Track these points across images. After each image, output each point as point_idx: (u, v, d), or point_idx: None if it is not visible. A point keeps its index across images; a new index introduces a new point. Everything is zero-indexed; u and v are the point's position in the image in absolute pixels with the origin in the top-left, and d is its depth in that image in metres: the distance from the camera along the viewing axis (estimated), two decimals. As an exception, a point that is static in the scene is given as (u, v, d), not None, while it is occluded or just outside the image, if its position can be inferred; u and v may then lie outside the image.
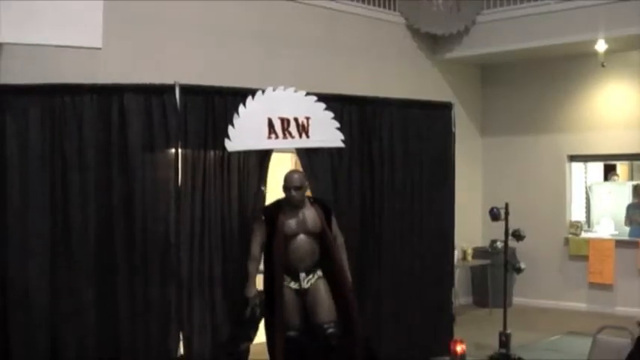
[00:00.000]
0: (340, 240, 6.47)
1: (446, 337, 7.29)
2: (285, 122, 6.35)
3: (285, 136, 6.33)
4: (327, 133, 6.56)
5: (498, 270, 8.54)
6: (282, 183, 6.21)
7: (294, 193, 6.20)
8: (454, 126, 7.57)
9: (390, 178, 7.15)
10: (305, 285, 6.27)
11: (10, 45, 5.98)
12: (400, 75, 9.85)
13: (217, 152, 6.23)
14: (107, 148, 5.87)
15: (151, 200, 5.96)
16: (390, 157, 7.15)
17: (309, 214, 6.30)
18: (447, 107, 7.61)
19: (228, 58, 8.10)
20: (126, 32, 7.12)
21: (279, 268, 6.26)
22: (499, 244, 7.82)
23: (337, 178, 6.87)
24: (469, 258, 10.30)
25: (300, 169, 6.66)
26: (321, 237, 6.33)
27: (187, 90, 6.13)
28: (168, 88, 6.07)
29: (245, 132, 6.14)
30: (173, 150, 6.08)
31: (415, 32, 10.25)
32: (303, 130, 6.42)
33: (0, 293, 5.68)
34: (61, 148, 5.81)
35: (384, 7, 10.01)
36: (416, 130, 7.34)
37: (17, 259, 5.69)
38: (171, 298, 5.93)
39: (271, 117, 6.29)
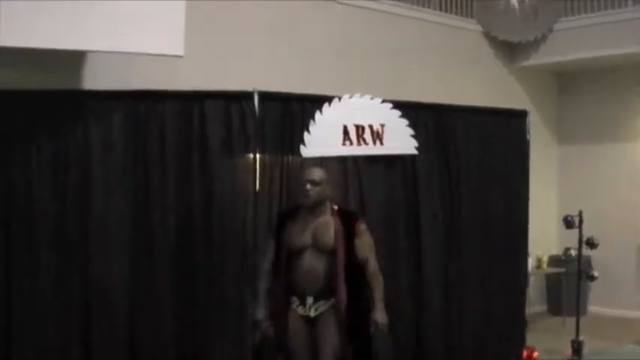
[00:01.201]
0: (372, 266, 5.33)
1: (518, 345, 7.28)
2: (360, 129, 6.44)
3: (359, 143, 6.41)
4: (401, 140, 6.63)
5: (573, 278, 8.44)
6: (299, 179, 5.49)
7: (309, 187, 5.23)
8: (529, 134, 7.53)
9: (465, 185, 7.14)
10: (311, 313, 5.24)
11: (95, 53, 6.20)
12: (476, 83, 9.85)
13: (294, 157, 6.34)
14: (188, 153, 6.03)
15: (230, 203, 6.09)
16: (466, 164, 7.14)
17: (324, 225, 5.29)
18: (521, 115, 7.57)
19: (307, 66, 8.22)
20: (207, 40, 7.28)
21: (283, 286, 5.36)
22: (573, 252, 7.80)
23: (413, 187, 6.88)
24: (544, 266, 10.27)
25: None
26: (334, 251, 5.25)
27: (266, 97, 6.26)
28: (247, 95, 6.22)
29: (320, 138, 6.25)
30: (251, 154, 6.20)
31: (492, 40, 10.26)
32: (377, 137, 6.49)
33: (83, 294, 5.89)
34: (143, 152, 6.00)
35: (461, 14, 10.04)
36: (491, 138, 7.32)
37: (99, 261, 5.89)
38: (247, 298, 6.03)
39: (346, 124, 6.39)
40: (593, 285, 9.08)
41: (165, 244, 6.03)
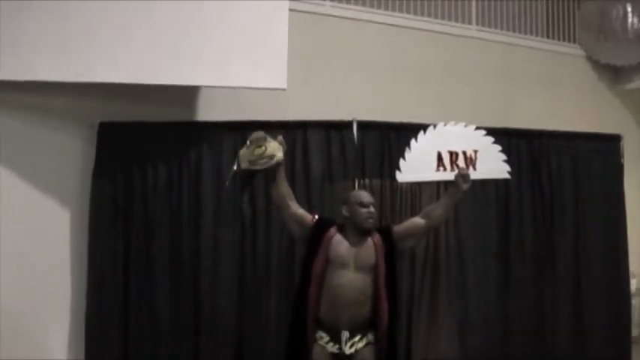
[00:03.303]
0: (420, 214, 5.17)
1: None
2: (453, 155, 6.68)
3: (452, 169, 6.62)
4: (494, 165, 6.84)
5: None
6: (352, 201, 5.09)
7: (372, 209, 4.95)
8: (623, 157, 7.61)
9: (559, 210, 7.29)
10: (347, 349, 4.68)
11: (207, 87, 6.70)
12: (580, 107, 9.82)
13: (392, 183, 6.67)
14: (292, 178, 6.32)
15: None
16: (559, 189, 7.30)
17: (369, 246, 4.92)
18: (615, 139, 7.66)
19: (405, 94, 8.36)
20: (308, 72, 7.54)
21: (311, 313, 4.74)
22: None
23: (505, 210, 7.12)
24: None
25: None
26: (375, 276, 4.83)
27: (364, 125, 6.65)
28: (347, 124, 6.62)
29: (415, 164, 6.52)
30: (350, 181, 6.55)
31: (595, 64, 10.28)
32: (470, 162, 6.73)
33: (192, 307, 6.34)
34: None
35: (563, 39, 10.13)
36: (584, 163, 7.45)
37: (208, 275, 6.35)
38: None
39: (441, 150, 6.65)
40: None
41: (268, 268, 6.44)
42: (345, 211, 5.03)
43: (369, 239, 4.95)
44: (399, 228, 5.13)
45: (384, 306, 4.81)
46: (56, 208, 6.44)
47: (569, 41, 10.18)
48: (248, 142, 5.04)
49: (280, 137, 5.05)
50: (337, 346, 4.71)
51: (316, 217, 5.03)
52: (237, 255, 6.43)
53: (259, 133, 5.04)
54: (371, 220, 4.96)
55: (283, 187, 4.96)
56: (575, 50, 10.19)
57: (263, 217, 6.44)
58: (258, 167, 4.99)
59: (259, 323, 6.41)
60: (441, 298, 6.85)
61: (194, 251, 6.36)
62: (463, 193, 5.28)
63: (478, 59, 9.12)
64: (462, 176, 5.26)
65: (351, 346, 4.71)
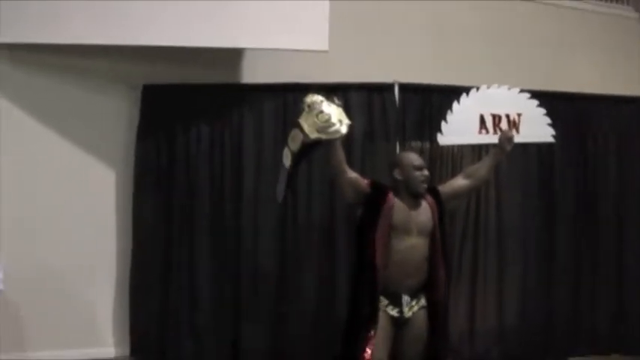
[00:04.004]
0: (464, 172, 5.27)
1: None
2: (496, 118, 6.61)
3: (495, 132, 6.55)
4: (537, 129, 6.75)
5: None
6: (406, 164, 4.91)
7: (426, 172, 4.88)
8: (672, 120, 7.48)
9: (604, 177, 7.25)
10: (407, 313, 4.74)
11: (251, 49, 6.72)
12: (632, 71, 9.67)
13: (434, 146, 6.66)
14: None
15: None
16: (604, 154, 7.26)
17: (425, 209, 4.87)
18: (661, 102, 7.51)
19: (449, 56, 8.12)
20: (350, 33, 7.37)
21: (380, 280, 4.65)
22: None
23: (549, 175, 7.09)
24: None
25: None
26: (432, 240, 4.82)
27: (406, 88, 6.67)
28: (388, 87, 6.62)
29: (457, 127, 6.45)
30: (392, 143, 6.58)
31: (648, 26, 10.08)
32: (513, 125, 6.64)
33: (233, 269, 6.47)
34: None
35: (615, 1, 9.93)
36: (630, 127, 7.37)
37: (249, 237, 6.43)
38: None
39: (483, 113, 6.56)
40: None
41: (310, 229, 6.53)
42: (397, 174, 4.88)
43: (424, 202, 4.88)
44: (444, 189, 5.09)
45: (442, 270, 4.88)
46: (102, 169, 6.57)
47: (622, 3, 9.97)
48: (306, 108, 4.56)
49: (336, 99, 4.72)
50: (397, 309, 4.73)
51: (368, 181, 4.82)
52: (278, 218, 6.50)
53: (316, 97, 4.61)
54: (425, 185, 4.88)
55: (340, 151, 4.70)
56: (628, 12, 9.97)
57: (303, 179, 6.46)
58: (329, 136, 4.54)
59: (301, 286, 6.50)
60: (480, 267, 6.87)
61: (235, 213, 6.45)
62: (505, 154, 5.35)
63: (526, 22, 8.87)
64: (507, 138, 5.30)
65: (410, 309, 4.76)
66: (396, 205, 4.77)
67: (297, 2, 6.06)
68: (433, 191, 4.99)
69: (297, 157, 4.77)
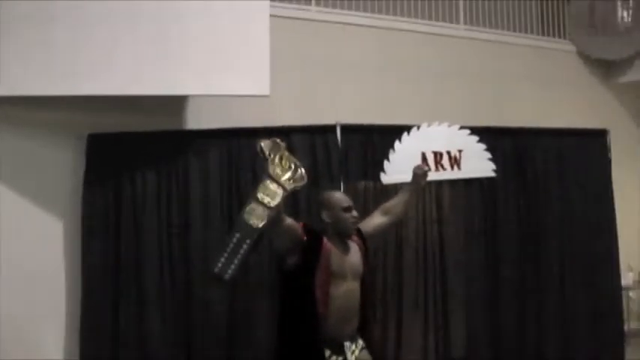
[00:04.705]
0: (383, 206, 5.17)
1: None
2: (438, 155, 6.81)
3: (437, 169, 6.77)
4: (479, 164, 6.94)
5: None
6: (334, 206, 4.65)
7: (355, 213, 4.65)
8: (610, 152, 7.69)
9: (545, 207, 7.39)
10: (351, 358, 4.46)
11: (195, 97, 6.82)
12: (572, 103, 9.74)
13: (377, 185, 6.75)
14: None
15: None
16: (545, 186, 7.40)
17: (355, 250, 4.67)
18: (601, 134, 7.73)
19: (393, 96, 8.28)
20: (290, 78, 7.47)
21: (320, 328, 4.35)
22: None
23: (491, 210, 7.20)
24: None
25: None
26: (362, 281, 4.62)
27: (348, 129, 6.74)
28: (331, 128, 6.72)
29: (400, 166, 6.62)
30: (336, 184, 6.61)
31: (586, 59, 10.30)
32: (455, 162, 6.85)
33: (183, 313, 6.44)
34: (237, 184, 6.53)
35: (554, 35, 10.15)
36: (570, 159, 7.53)
37: (198, 281, 6.40)
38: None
39: (425, 151, 6.77)
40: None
41: (260, 274, 6.51)
42: (326, 217, 4.62)
43: (352, 243, 4.67)
44: (366, 228, 4.90)
45: (371, 309, 4.95)
46: (50, 218, 6.56)
47: (560, 37, 10.21)
48: (270, 155, 4.06)
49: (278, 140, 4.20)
50: (342, 357, 4.44)
51: (301, 225, 4.42)
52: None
53: (274, 141, 4.13)
54: (352, 226, 4.65)
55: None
56: (565, 46, 10.22)
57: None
58: (299, 186, 4.12)
59: (251, 329, 6.50)
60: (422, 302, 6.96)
61: (184, 258, 6.46)
62: (421, 189, 5.35)
63: (467, 59, 9.09)
64: (422, 174, 5.22)
65: (352, 355, 4.48)
66: (332, 249, 4.50)
67: (237, 48, 6.15)
68: (357, 231, 4.76)
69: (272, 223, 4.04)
